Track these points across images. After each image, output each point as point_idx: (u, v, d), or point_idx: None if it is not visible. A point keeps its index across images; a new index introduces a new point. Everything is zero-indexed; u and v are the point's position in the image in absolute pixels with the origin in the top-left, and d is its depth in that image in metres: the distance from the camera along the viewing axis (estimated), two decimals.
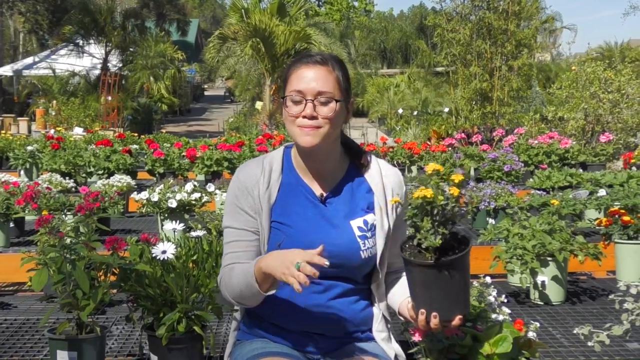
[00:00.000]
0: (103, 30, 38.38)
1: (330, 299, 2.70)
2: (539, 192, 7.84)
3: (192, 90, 59.18)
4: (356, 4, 75.54)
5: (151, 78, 40.15)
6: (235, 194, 2.77)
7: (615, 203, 6.48)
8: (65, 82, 35.27)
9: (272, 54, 27.47)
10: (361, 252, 2.70)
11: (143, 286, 3.14)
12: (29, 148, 12.77)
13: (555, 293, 5.00)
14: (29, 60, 41.35)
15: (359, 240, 2.72)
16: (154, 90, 41.04)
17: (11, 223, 7.03)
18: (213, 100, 62.00)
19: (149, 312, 3.18)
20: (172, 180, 7.59)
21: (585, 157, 12.60)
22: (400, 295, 2.73)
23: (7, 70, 40.04)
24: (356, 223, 2.74)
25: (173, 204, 6.69)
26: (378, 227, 2.75)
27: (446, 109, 25.52)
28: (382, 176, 2.83)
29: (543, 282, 4.98)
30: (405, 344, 3.02)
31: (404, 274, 2.84)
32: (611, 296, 3.25)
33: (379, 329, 2.80)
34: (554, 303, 5.00)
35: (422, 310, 2.44)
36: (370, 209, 2.78)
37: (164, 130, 30.36)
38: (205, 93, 67.85)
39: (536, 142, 12.96)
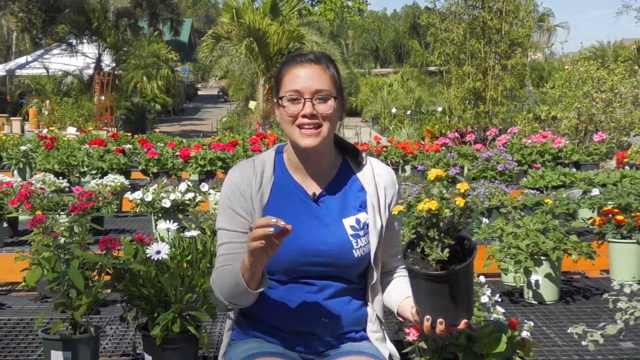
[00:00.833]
0: (97, 30, 38.31)
1: (325, 299, 2.70)
2: (532, 191, 7.84)
3: (185, 89, 59.12)
4: (350, 3, 75.52)
5: (144, 78, 40.11)
6: (228, 195, 2.77)
7: (609, 202, 6.49)
8: (58, 82, 35.18)
9: (265, 54, 27.46)
10: (354, 251, 2.70)
11: (137, 286, 3.13)
12: (22, 148, 12.74)
13: (549, 292, 5.01)
14: (22, 59, 41.27)
15: (351, 239, 2.71)
16: (147, 89, 40.99)
17: (4, 223, 7.02)
18: (206, 99, 61.95)
19: (143, 312, 3.18)
20: (165, 180, 7.58)
21: (579, 157, 12.62)
22: (397, 295, 2.73)
23: None
24: (349, 222, 2.74)
25: (167, 203, 6.68)
26: (371, 225, 2.75)
27: (439, 109, 25.56)
28: (374, 174, 2.82)
29: (537, 281, 4.99)
30: (399, 344, 3.02)
31: (399, 274, 2.85)
32: (605, 295, 3.26)
33: (373, 329, 2.80)
34: (547, 302, 5.00)
35: (428, 317, 2.45)
36: (362, 207, 2.78)
37: (157, 130, 30.31)
38: (199, 92, 67.79)
39: (529, 141, 12.98)
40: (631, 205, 6.08)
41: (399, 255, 2.86)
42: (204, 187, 7.75)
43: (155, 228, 6.77)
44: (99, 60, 38.63)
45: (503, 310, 3.26)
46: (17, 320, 4.72)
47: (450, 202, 2.36)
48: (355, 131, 26.50)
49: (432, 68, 39.35)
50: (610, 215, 5.65)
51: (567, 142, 13.43)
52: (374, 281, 2.77)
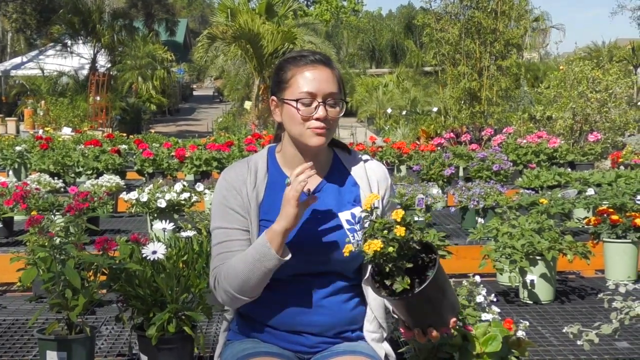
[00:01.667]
0: (92, 30, 38.31)
1: (321, 297, 2.71)
2: (527, 191, 7.85)
3: (180, 90, 59.08)
4: (345, 3, 75.51)
5: (140, 78, 40.10)
6: (224, 194, 2.77)
7: (604, 202, 6.50)
8: (53, 82, 35.16)
9: (260, 54, 27.44)
10: (351, 245, 2.71)
11: (133, 286, 3.13)
12: (18, 148, 12.73)
13: (544, 292, 5.01)
14: (17, 60, 41.25)
15: (348, 233, 2.72)
16: (142, 90, 40.97)
17: (0, 223, 7.01)
18: (202, 100, 61.91)
19: (139, 312, 3.18)
20: (161, 180, 7.58)
21: (574, 157, 12.63)
22: None
23: None
24: (344, 216, 2.75)
25: (162, 204, 6.68)
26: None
27: (435, 109, 25.58)
28: (366, 169, 2.84)
29: (532, 281, 4.99)
30: (395, 343, 3.02)
31: None
32: (600, 295, 3.27)
33: (369, 329, 2.80)
34: (543, 302, 5.01)
35: (417, 330, 2.48)
36: (356, 202, 2.79)
37: (152, 130, 30.33)
38: (194, 93, 67.74)
39: (525, 141, 12.98)
40: (626, 205, 6.09)
41: None
42: (200, 187, 7.75)
43: (151, 228, 6.77)
44: (94, 61, 38.66)
45: (498, 310, 3.26)
46: (13, 320, 4.71)
47: (391, 238, 2.37)
48: (350, 131, 26.53)
49: (427, 68, 39.44)
50: (605, 215, 5.65)
51: (562, 142, 13.44)
52: (367, 275, 2.77)
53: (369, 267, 2.75)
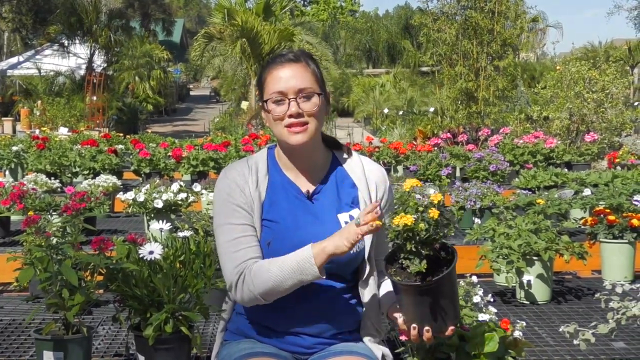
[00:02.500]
0: (89, 30, 38.28)
1: (319, 299, 2.71)
2: (524, 191, 7.85)
3: (177, 90, 59.06)
4: (342, 3, 75.52)
5: (136, 78, 40.08)
6: (228, 192, 2.76)
7: (600, 202, 6.50)
8: (50, 82, 35.14)
9: (257, 54, 27.45)
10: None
11: (130, 286, 3.13)
12: (14, 148, 12.71)
13: (541, 292, 5.02)
14: (14, 60, 41.21)
15: None
16: (139, 90, 40.96)
17: None
18: (199, 100, 61.89)
19: (136, 312, 3.18)
20: (158, 180, 7.57)
21: (570, 157, 12.65)
22: (388, 298, 2.74)
23: None
24: (343, 217, 2.75)
25: (159, 204, 6.68)
26: None
27: (432, 109, 25.59)
28: (364, 171, 2.84)
29: (529, 281, 4.99)
30: (392, 344, 3.03)
31: None
32: (597, 295, 3.27)
33: (366, 330, 2.80)
34: (539, 302, 5.01)
35: (414, 326, 2.46)
36: (354, 203, 2.79)
37: (149, 130, 30.28)
38: (191, 93, 67.70)
39: (521, 141, 13.00)
40: (623, 205, 6.09)
41: None
42: (197, 187, 7.74)
43: (148, 228, 6.76)
44: (90, 61, 38.61)
45: (495, 310, 3.26)
46: (9, 320, 4.71)
47: (424, 215, 2.38)
48: (347, 131, 26.52)
49: (424, 68, 39.46)
50: (601, 215, 5.66)
51: (559, 142, 13.45)
52: (364, 277, 2.77)
53: (367, 268, 2.76)
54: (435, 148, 13.21)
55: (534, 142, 12.78)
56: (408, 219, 2.35)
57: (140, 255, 3.10)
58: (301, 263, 2.56)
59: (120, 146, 14.46)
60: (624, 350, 4.01)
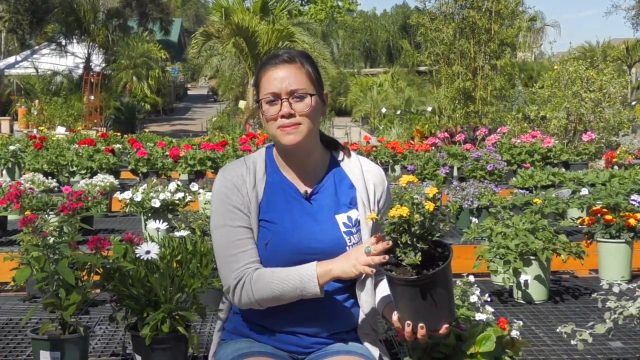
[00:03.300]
0: (86, 30, 38.28)
1: (316, 299, 2.70)
2: (521, 191, 7.86)
3: (175, 89, 59.03)
4: (340, 3, 75.48)
5: (134, 77, 40.08)
6: (225, 192, 2.76)
7: (598, 202, 6.50)
8: (47, 82, 35.14)
9: (254, 53, 27.45)
10: (347, 248, 2.70)
11: (127, 286, 3.13)
12: (11, 147, 12.70)
13: (538, 292, 5.02)
14: (11, 59, 41.18)
15: (344, 236, 2.72)
16: (137, 89, 40.97)
17: None
18: (196, 99, 61.86)
19: (133, 312, 3.17)
20: (155, 180, 7.57)
21: (568, 156, 12.65)
22: (384, 299, 2.74)
23: None
24: (341, 219, 2.75)
25: (156, 203, 6.67)
26: (362, 222, 2.76)
27: (429, 108, 25.63)
28: (363, 172, 2.84)
29: (526, 281, 4.99)
30: (389, 344, 3.03)
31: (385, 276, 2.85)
32: (594, 295, 3.27)
33: (363, 330, 2.80)
34: (536, 302, 5.01)
35: (408, 322, 2.45)
36: (353, 204, 2.79)
37: (147, 130, 30.32)
38: (189, 92, 67.68)
39: (519, 141, 13.01)
40: (620, 205, 6.09)
41: None
42: (194, 186, 7.73)
43: (145, 228, 6.76)
44: (88, 60, 38.62)
45: (492, 310, 3.26)
46: (6, 320, 4.70)
47: (420, 207, 2.38)
48: (345, 131, 26.54)
49: (422, 68, 39.47)
50: (599, 215, 5.66)
51: (556, 142, 13.47)
52: (361, 279, 2.76)
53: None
54: (433, 147, 13.22)
55: (532, 141, 12.79)
56: (404, 210, 2.36)
57: (137, 255, 3.10)
58: (304, 281, 2.57)
59: (118, 145, 14.46)
60: (621, 349, 4.01)
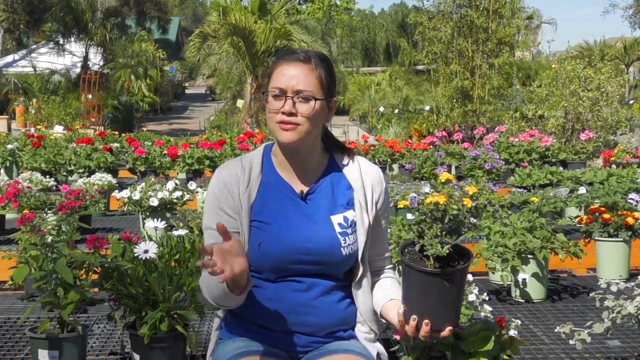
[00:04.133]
0: (84, 29, 38.24)
1: (313, 297, 2.70)
2: (519, 190, 7.86)
3: (173, 88, 59.01)
4: (338, 1, 75.44)
5: (132, 76, 40.06)
6: (215, 194, 2.76)
7: (596, 201, 6.52)
8: (45, 80, 35.11)
9: (252, 52, 27.42)
10: (342, 249, 2.70)
11: (125, 285, 3.13)
12: (9, 146, 12.70)
13: (536, 291, 5.02)
14: (9, 58, 41.13)
15: (339, 236, 2.71)
16: (134, 88, 40.95)
17: None
18: (194, 98, 61.81)
19: (131, 311, 3.18)
20: (153, 179, 7.57)
21: (566, 155, 12.67)
22: (382, 297, 2.73)
23: None
24: (337, 219, 2.74)
25: (154, 202, 6.67)
26: (358, 223, 2.75)
27: (427, 107, 25.63)
28: (361, 172, 2.83)
29: (524, 279, 5.00)
30: (387, 342, 3.03)
31: (386, 275, 2.85)
32: (592, 294, 3.27)
33: (361, 329, 2.80)
34: (535, 300, 5.02)
35: (414, 317, 2.45)
36: (350, 205, 2.78)
37: (145, 129, 30.31)
38: (187, 91, 67.62)
39: (517, 140, 13.02)
40: (618, 203, 6.10)
41: (385, 254, 2.86)
42: (192, 185, 7.74)
43: (143, 227, 6.76)
44: (86, 59, 38.57)
45: (490, 309, 3.27)
46: (5, 319, 4.70)
47: (457, 201, 2.37)
48: (342, 130, 26.53)
49: (420, 67, 39.46)
50: (597, 213, 5.67)
51: (554, 140, 13.48)
52: (357, 278, 2.76)
53: (360, 269, 2.76)
54: (431, 146, 13.23)
55: (530, 140, 12.80)
56: (441, 198, 2.34)
57: (136, 254, 3.10)
58: (222, 285, 2.50)
59: (116, 144, 14.46)
60: (619, 348, 4.01)
